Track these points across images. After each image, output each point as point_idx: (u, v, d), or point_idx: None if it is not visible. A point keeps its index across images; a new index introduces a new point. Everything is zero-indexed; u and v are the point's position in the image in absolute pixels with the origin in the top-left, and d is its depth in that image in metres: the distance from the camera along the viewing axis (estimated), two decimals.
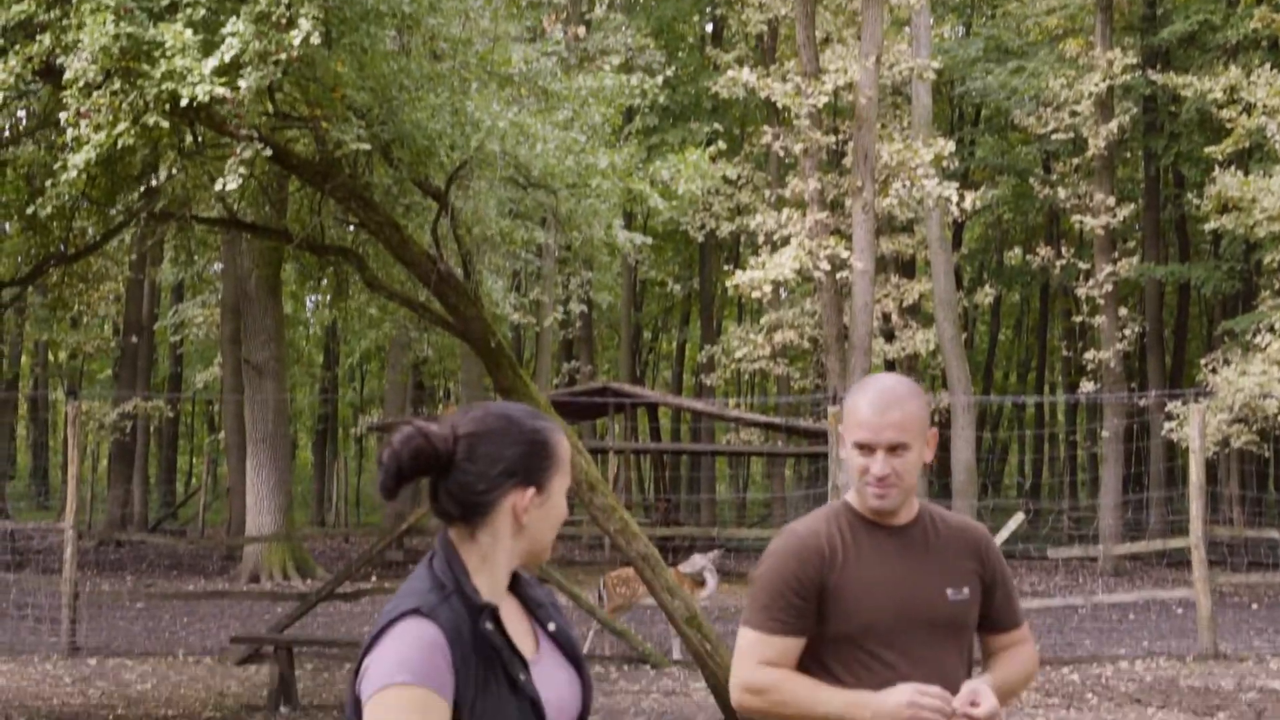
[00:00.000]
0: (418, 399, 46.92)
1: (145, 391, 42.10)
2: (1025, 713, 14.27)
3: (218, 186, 9.99)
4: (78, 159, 10.03)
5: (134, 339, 40.61)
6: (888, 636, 3.90)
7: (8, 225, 14.87)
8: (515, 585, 3.22)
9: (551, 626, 3.23)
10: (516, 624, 3.14)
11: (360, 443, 62.86)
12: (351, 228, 14.38)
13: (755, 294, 25.31)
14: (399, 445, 3.07)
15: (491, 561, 3.09)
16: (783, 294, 35.54)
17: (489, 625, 2.99)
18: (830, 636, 3.93)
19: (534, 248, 22.21)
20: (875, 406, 3.93)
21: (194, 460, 68.13)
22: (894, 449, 3.91)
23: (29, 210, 11.80)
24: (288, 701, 14.22)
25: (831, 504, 4.13)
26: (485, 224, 13.69)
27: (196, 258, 32.50)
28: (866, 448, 3.92)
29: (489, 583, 3.08)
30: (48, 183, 11.01)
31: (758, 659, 3.94)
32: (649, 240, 18.17)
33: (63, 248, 14.59)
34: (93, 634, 19.11)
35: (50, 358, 54.19)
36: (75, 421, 18.67)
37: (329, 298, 18.73)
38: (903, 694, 3.80)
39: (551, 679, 3.12)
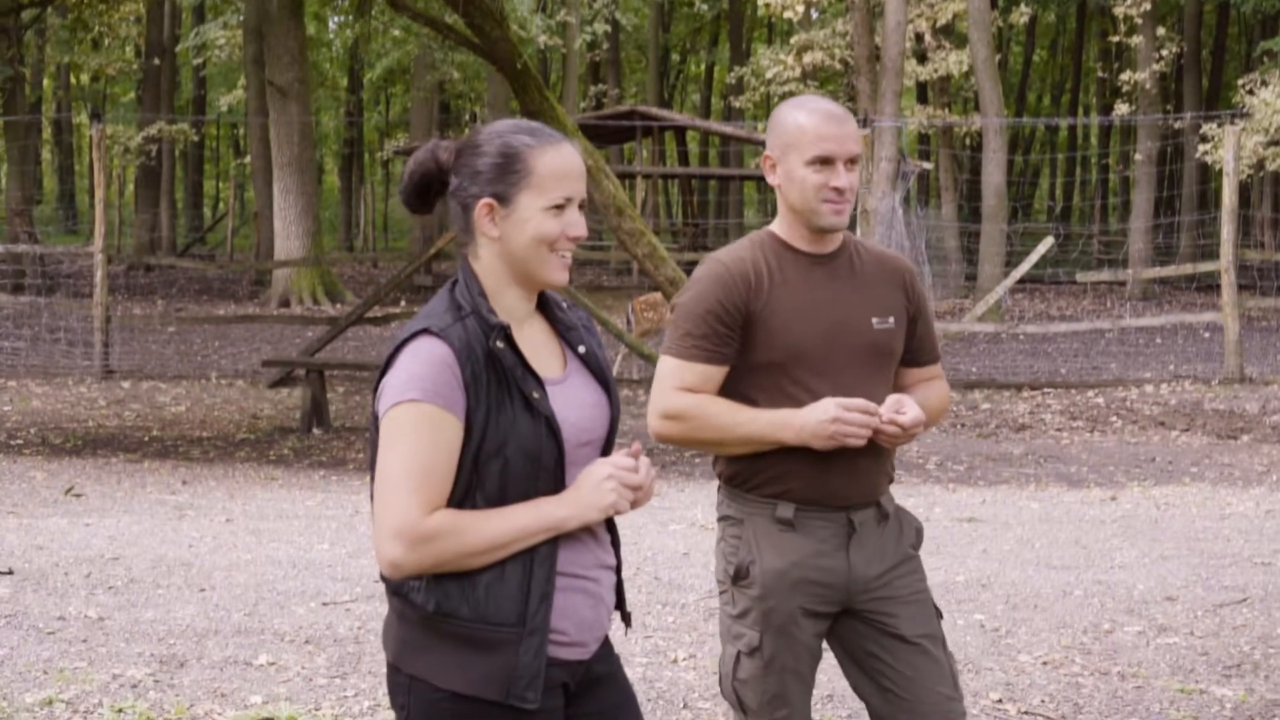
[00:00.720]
0: (444, 123, 46.56)
1: (169, 114, 41.78)
2: (1050, 435, 14.38)
3: None
4: None
5: (156, 61, 40.16)
6: (815, 363, 3.83)
7: None
8: (547, 309, 3.22)
9: (581, 349, 3.22)
10: (544, 345, 3.16)
11: (386, 167, 62.57)
12: None
13: (786, 13, 24.79)
14: (411, 161, 3.16)
15: (495, 279, 3.10)
16: (814, 14, 34.81)
17: (499, 344, 3.00)
18: (755, 364, 3.86)
19: None
20: (831, 119, 3.83)
21: (220, 185, 68.05)
22: (852, 161, 3.83)
23: None
24: (320, 423, 14.38)
25: (756, 233, 4.02)
26: None
27: None
28: (827, 161, 3.80)
29: (505, 304, 3.09)
30: None
31: (677, 385, 3.87)
32: None
33: None
34: (125, 357, 19.29)
35: (73, 80, 53.76)
36: (100, 145, 18.55)
37: (351, 17, 18.45)
38: (826, 408, 3.74)
39: (575, 399, 3.12)
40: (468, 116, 51.36)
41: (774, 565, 3.84)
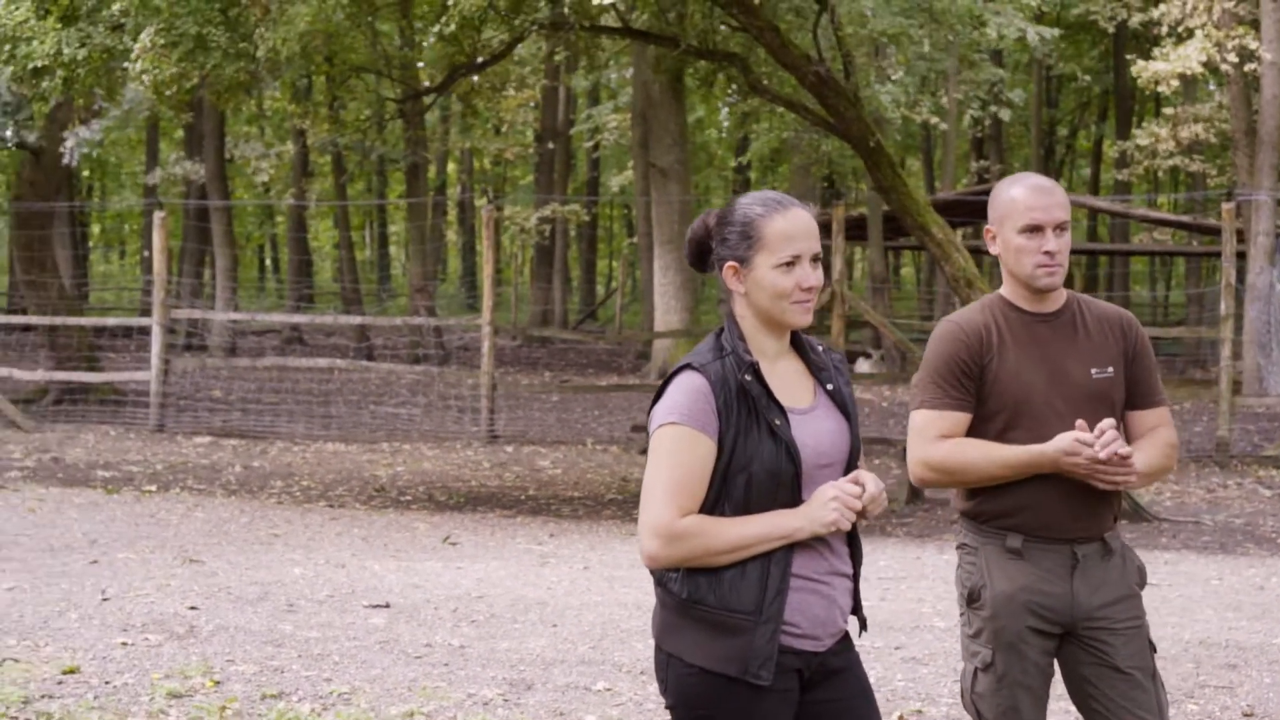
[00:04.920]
0: (826, 199, 47.25)
1: (562, 195, 43.65)
2: None
3: (595, 0, 10.53)
4: None
5: (550, 145, 42.06)
6: (1040, 412, 4.26)
7: (426, 39, 15.86)
8: (802, 351, 3.81)
9: (830, 386, 3.79)
10: (796, 381, 3.75)
11: None
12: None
13: (1160, 87, 24.60)
14: (690, 230, 3.83)
15: (749, 325, 3.71)
16: (1205, 86, 34.20)
17: (748, 378, 3.61)
18: (986, 414, 4.31)
19: (940, 46, 22.05)
20: (1040, 190, 4.31)
21: (613, 263, 70.29)
22: (1060, 227, 4.28)
23: (436, 27, 12.64)
24: None
25: (986, 297, 4.49)
26: (865, 24, 13.89)
27: (611, 62, 33.54)
28: (1037, 229, 4.27)
29: (759, 345, 3.71)
30: (448, 1, 11.78)
31: (933, 434, 4.34)
32: (1055, 32, 17.84)
33: (473, 57, 15.47)
34: (510, 423, 20.48)
35: (475, 165, 56.54)
36: (490, 224, 19.84)
37: (728, 100, 19.25)
38: (1064, 439, 4.16)
39: (817, 427, 3.69)
40: (851, 194, 52.02)
41: (1003, 589, 4.29)
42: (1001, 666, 4.29)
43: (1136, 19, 34.51)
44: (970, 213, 29.64)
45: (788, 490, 3.60)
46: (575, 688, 7.30)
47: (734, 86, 16.22)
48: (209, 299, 33.46)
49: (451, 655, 7.92)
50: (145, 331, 20.94)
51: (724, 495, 3.59)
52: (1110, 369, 4.36)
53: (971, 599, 4.35)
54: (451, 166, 57.46)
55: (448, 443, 18.94)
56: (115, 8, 12.18)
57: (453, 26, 11.83)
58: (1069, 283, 4.57)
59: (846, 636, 3.76)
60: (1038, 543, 4.28)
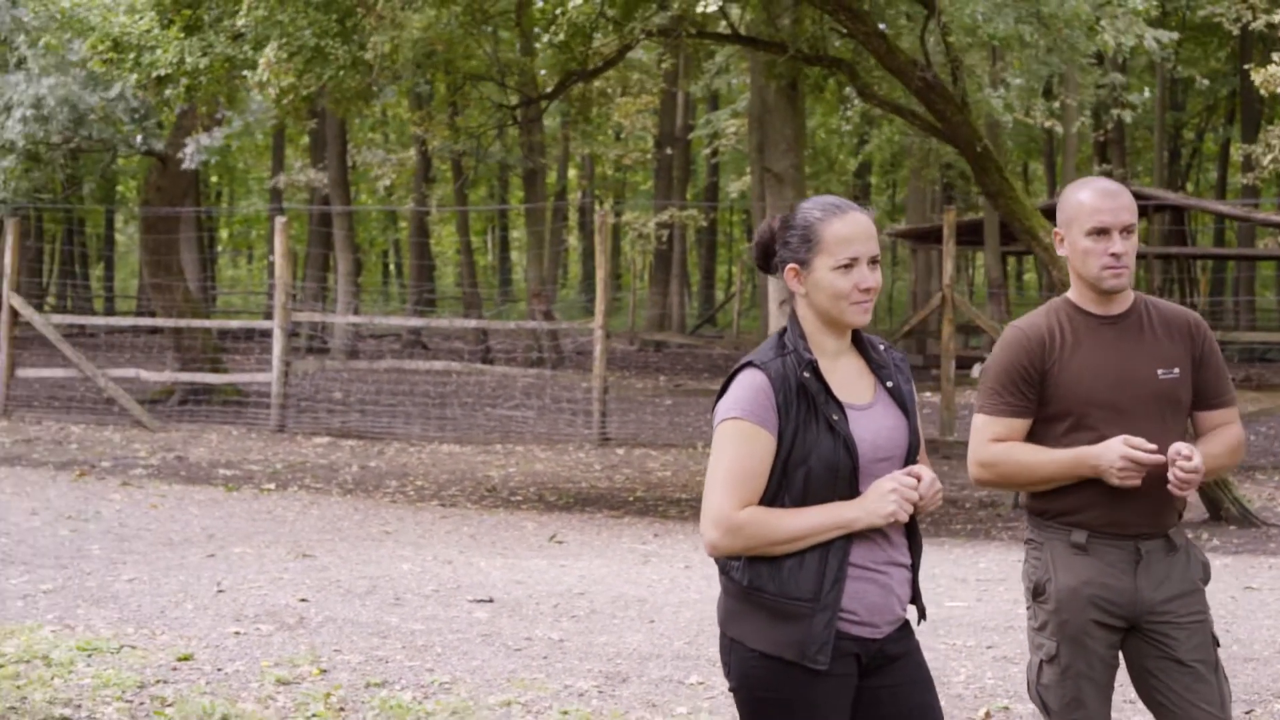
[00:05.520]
0: (943, 203, 46.99)
1: (681, 201, 43.83)
2: None
3: (699, 8, 10.70)
4: None
5: (668, 150, 42.27)
6: (1105, 413, 4.36)
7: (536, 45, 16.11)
8: (863, 349, 3.96)
9: (889, 384, 3.93)
10: (856, 378, 3.91)
11: (894, 249, 63.41)
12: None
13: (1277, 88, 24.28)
14: (756, 233, 4.02)
15: (810, 324, 3.87)
16: None
17: (807, 375, 3.77)
18: (1051, 415, 4.43)
19: (1052, 50, 21.96)
20: (1106, 194, 4.41)
21: (732, 268, 70.37)
22: (1127, 229, 4.36)
23: (546, 35, 12.88)
24: None
25: (1053, 300, 4.59)
26: (975, 30, 13.92)
27: (731, 67, 33.65)
28: (1103, 232, 4.36)
29: (820, 343, 3.86)
30: (557, 11, 12.02)
31: (988, 437, 4.48)
32: (1174, 36, 17.69)
33: (585, 64, 15.69)
34: (622, 426, 20.70)
35: (596, 170, 56.90)
36: (604, 229, 20.08)
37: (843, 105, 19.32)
38: (1114, 445, 4.27)
39: (875, 423, 3.85)
40: (970, 199, 51.66)
41: (1067, 583, 4.40)
42: (1066, 658, 4.40)
43: (1262, 20, 34.10)
44: None
45: (845, 483, 3.76)
46: (669, 681, 7.48)
47: (845, 92, 16.25)
48: (332, 303, 34.04)
49: (550, 648, 8.13)
50: (267, 334, 21.43)
51: (784, 487, 3.75)
52: (1176, 370, 4.44)
53: (1037, 593, 4.48)
54: (573, 172, 57.86)
55: (560, 444, 19.19)
56: (239, 21, 12.53)
57: (562, 35, 12.07)
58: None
59: (906, 624, 3.91)
60: (1101, 539, 4.39)
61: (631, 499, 15.00)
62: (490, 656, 7.92)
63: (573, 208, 58.06)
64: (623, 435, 20.02)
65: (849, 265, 3.78)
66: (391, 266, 68.10)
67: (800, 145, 29.46)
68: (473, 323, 25.02)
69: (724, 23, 15.02)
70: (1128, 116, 31.43)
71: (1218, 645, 4.46)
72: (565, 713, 6.88)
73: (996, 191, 13.45)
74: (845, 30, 13.32)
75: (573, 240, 64.47)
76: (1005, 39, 14.78)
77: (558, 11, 11.87)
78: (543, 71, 23.18)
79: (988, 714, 6.96)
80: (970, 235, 33.19)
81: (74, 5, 13.64)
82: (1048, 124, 32.85)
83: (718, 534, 3.73)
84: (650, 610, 9.16)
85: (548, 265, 43.18)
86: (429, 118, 22.03)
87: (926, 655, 7.67)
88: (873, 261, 3.82)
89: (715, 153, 44.90)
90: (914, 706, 3.89)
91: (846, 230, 3.80)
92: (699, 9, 10.84)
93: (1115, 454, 4.27)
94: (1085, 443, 4.37)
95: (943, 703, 6.98)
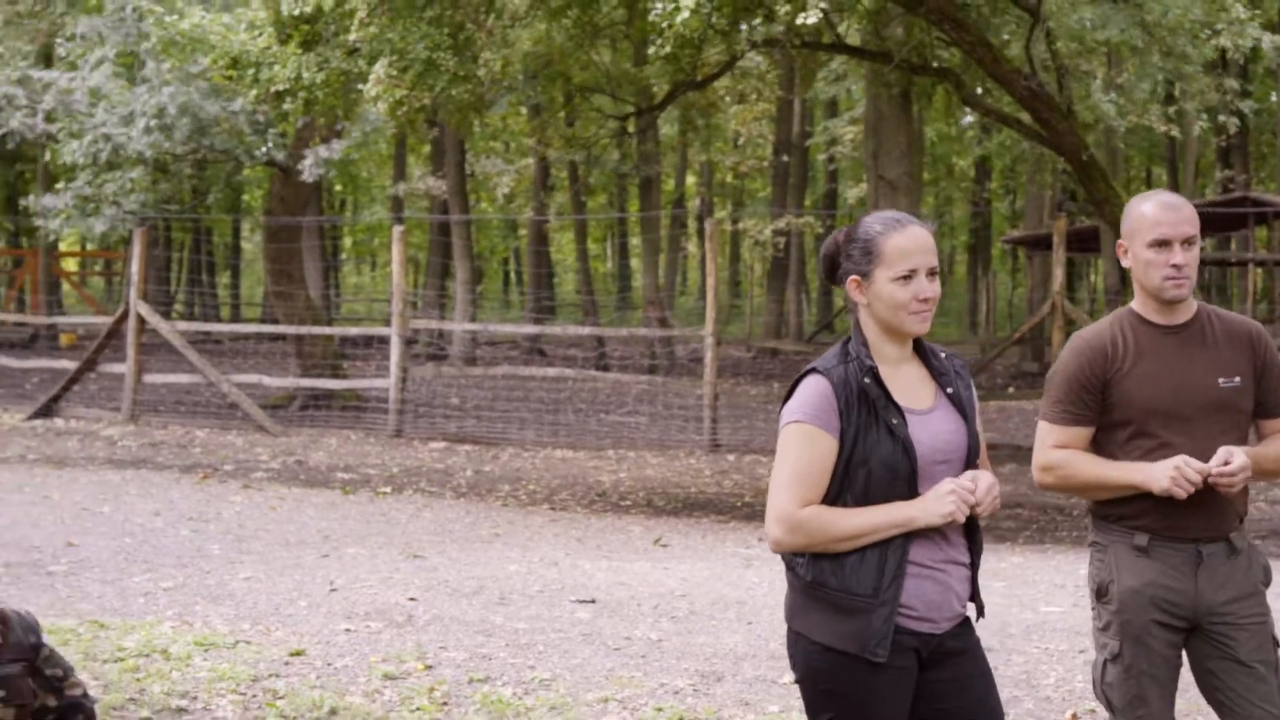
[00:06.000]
0: (1059, 210, 46.64)
1: (798, 208, 43.87)
2: None
3: (799, 19, 10.88)
4: (688, 0, 11.14)
5: (784, 157, 42.34)
6: (1167, 420, 4.50)
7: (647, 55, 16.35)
8: (924, 357, 4.15)
9: (949, 390, 4.12)
10: (918, 384, 4.09)
11: (1015, 255, 62.89)
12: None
13: None
14: (823, 246, 4.21)
15: (873, 333, 4.06)
16: None
17: (868, 380, 3.97)
18: (1114, 422, 4.57)
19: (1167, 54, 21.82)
20: (1167, 206, 4.53)
21: None
22: (1188, 241, 4.49)
23: (650, 50, 13.12)
24: None
25: (1118, 310, 4.71)
26: (1082, 37, 13.95)
27: (848, 74, 33.67)
28: (1164, 244, 4.49)
29: (881, 351, 4.05)
30: (663, 24, 12.23)
31: (1052, 443, 4.65)
32: None
33: (694, 75, 15.91)
34: (734, 433, 20.86)
35: (714, 177, 57.06)
36: (713, 236, 20.26)
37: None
38: (1168, 463, 4.41)
39: (935, 428, 4.02)
40: (1077, 206, 51.14)
41: (1129, 584, 4.55)
42: (1129, 658, 4.55)
43: None
44: (1207, 225, 29.15)
45: (905, 484, 3.94)
46: (763, 680, 7.67)
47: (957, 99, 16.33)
48: (452, 310, 34.52)
49: (649, 648, 8.34)
50: (386, 341, 21.86)
51: (846, 487, 3.94)
52: (1238, 379, 4.56)
53: (1100, 594, 4.62)
54: (691, 179, 58.08)
55: (671, 450, 19.41)
56: (353, 36, 12.89)
57: (668, 48, 12.28)
58: None
59: (966, 621, 4.08)
60: (1162, 542, 4.53)
61: (739, 504, 15.18)
62: (590, 655, 8.15)
63: (691, 215, 58.24)
64: (734, 442, 20.19)
65: (908, 277, 3.96)
66: (512, 273, 68.76)
67: (914, 152, 29.50)
68: (585, 329, 25.31)
69: (830, 33, 15.14)
70: (1232, 125, 31.06)
71: (1278, 646, 4.58)
72: (659, 709, 7.09)
73: (1102, 199, 13.50)
74: (949, 39, 13.42)
75: (692, 247, 64.70)
76: (1117, 45, 14.80)
77: (664, 25, 12.08)
78: (654, 82, 23.45)
79: (1074, 716, 7.08)
80: (1089, 241, 32.99)
81: (194, 26, 14.10)
82: (1164, 129, 32.62)
83: (780, 531, 3.94)
84: (749, 612, 9.35)
85: (665, 272, 43.42)
86: (541, 128, 22.32)
87: (1018, 659, 7.85)
88: (931, 273, 3.99)
89: (833, 159, 44.92)
90: (974, 699, 4.05)
91: (905, 243, 3.98)
92: (798, 20, 11.00)
93: (1164, 478, 4.42)
94: (1147, 449, 4.51)
95: (1030, 704, 7.18)
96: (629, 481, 16.68)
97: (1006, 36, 15.20)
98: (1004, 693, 7.21)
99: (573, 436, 20.56)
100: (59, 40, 24.58)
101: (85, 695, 4.72)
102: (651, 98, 22.05)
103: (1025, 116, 14.54)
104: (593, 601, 9.60)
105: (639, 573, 10.78)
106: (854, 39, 18.90)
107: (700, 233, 65.44)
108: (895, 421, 3.94)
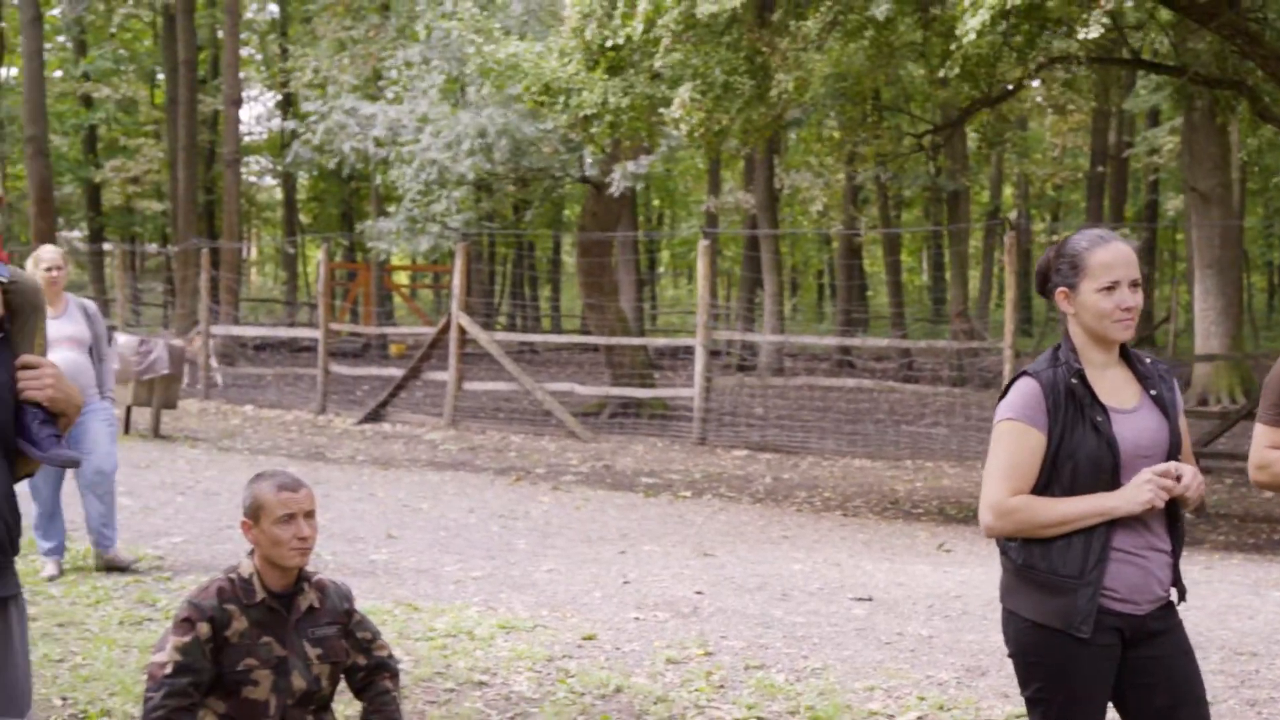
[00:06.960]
0: None
1: (1115, 220, 43.20)
2: None
3: (1081, 34, 11.12)
4: (974, 22, 11.49)
5: (1100, 169, 41.80)
6: None
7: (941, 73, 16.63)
8: (1130, 361, 4.54)
9: (1153, 392, 4.50)
10: (1123, 385, 4.48)
11: None
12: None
13: None
14: (1039, 262, 4.62)
15: (1080, 340, 4.47)
16: None
17: (1074, 381, 4.38)
18: None
19: None
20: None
21: (1175, 287, 68.37)
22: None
23: (939, 73, 13.47)
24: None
25: None
26: None
27: (1166, 85, 33.20)
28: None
29: (1089, 356, 4.45)
30: (951, 45, 12.59)
31: (1265, 445, 4.94)
32: None
33: (989, 92, 16.18)
34: None
35: (1030, 190, 56.44)
36: (1011, 250, 20.38)
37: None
38: None
39: (1138, 426, 4.41)
40: None
41: None
42: None
43: None
44: None
45: (1108, 476, 4.34)
46: None
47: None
48: (761, 322, 35.12)
49: (919, 643, 8.77)
50: (693, 352, 22.57)
51: (1054, 479, 4.36)
52: None
53: None
54: (1008, 191, 57.58)
55: (969, 462, 19.62)
56: (657, 62, 13.57)
57: (955, 70, 12.63)
58: None
59: (1169, 604, 4.45)
60: None
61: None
62: (862, 648, 8.62)
63: (1006, 227, 57.60)
64: None
65: (1111, 288, 4.36)
66: (826, 286, 69.09)
67: (1227, 165, 29.03)
68: (884, 341, 25.64)
69: (1125, 48, 15.24)
70: None
71: None
72: (922, 698, 7.52)
73: None
74: (1241, 52, 13.44)
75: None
76: None
77: (952, 47, 12.43)
78: (954, 97, 23.64)
79: None
80: None
81: (510, 56, 15.00)
82: None
83: (992, 517, 4.39)
84: None
85: (979, 285, 43.20)
86: (838, 146, 22.69)
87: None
88: (1134, 285, 4.39)
89: (1155, 170, 44.14)
90: (1177, 677, 4.42)
91: (1108, 257, 4.38)
92: (1079, 35, 11.23)
93: None
94: None
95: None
96: (923, 490, 17.01)
97: None
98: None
99: (871, 447, 20.93)
100: (386, 66, 25.99)
101: (390, 656, 5.38)
102: (957, 109, 22.28)
103: None
104: (870, 599, 10.05)
105: (918, 574, 11.18)
106: (1165, 50, 18.84)
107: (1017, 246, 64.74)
108: (1100, 419, 4.34)
